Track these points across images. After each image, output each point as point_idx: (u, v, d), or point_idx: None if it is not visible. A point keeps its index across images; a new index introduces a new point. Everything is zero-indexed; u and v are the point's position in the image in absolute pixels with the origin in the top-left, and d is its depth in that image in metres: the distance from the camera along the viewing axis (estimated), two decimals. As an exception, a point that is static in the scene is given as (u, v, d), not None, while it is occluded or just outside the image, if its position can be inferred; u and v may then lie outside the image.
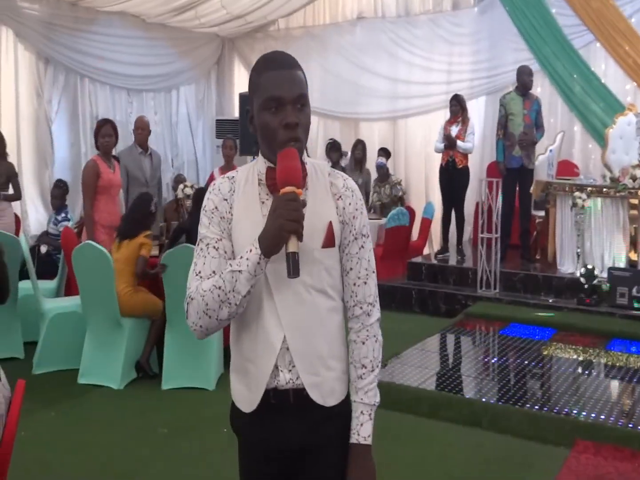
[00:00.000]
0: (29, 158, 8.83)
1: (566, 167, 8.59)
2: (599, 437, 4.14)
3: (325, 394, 1.77)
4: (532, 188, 7.59)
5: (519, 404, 4.56)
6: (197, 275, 1.73)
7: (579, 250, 7.17)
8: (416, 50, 10.20)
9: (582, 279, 6.76)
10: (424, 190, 10.12)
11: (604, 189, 7.14)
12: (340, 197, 1.80)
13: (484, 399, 4.66)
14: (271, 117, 1.69)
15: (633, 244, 6.96)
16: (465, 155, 7.87)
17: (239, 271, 1.63)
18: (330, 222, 1.76)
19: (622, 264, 6.97)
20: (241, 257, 1.64)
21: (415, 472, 3.91)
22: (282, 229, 1.58)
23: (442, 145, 7.90)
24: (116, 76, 9.81)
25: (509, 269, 7.47)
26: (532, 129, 7.57)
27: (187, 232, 5.67)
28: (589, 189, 7.17)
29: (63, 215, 7.30)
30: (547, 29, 8.89)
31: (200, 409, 4.72)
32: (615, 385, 5.08)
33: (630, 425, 4.25)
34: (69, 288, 6.20)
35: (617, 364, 5.45)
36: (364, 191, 8.73)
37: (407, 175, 10.17)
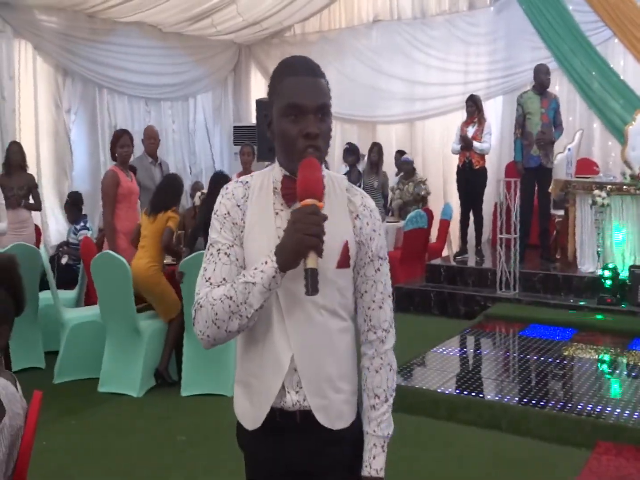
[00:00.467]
0: (49, 169, 8.96)
1: (586, 165, 8.52)
2: (621, 438, 4.09)
3: (333, 417, 1.70)
4: (550, 187, 7.53)
5: (539, 405, 4.51)
6: (206, 281, 1.66)
7: (599, 249, 7.10)
8: (432, 51, 10.21)
9: (604, 278, 6.68)
10: (442, 192, 10.11)
11: (624, 187, 7.06)
12: (358, 216, 1.72)
13: (504, 401, 4.62)
14: (291, 125, 1.61)
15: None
16: (482, 156, 7.82)
17: (253, 283, 1.55)
18: (346, 242, 1.68)
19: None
20: (255, 269, 1.57)
21: (434, 476, 3.89)
22: (302, 244, 1.50)
23: (458, 147, 7.87)
24: (134, 86, 9.92)
25: (529, 269, 7.41)
26: (550, 127, 7.50)
27: (204, 223, 5.60)
28: (609, 186, 7.09)
29: (82, 224, 7.40)
30: (565, 26, 8.83)
31: (219, 416, 4.71)
32: (637, 385, 4.99)
33: (652, 426, 4.19)
34: (89, 297, 6.26)
35: (639, 364, 5.38)
36: (381, 194, 8.72)
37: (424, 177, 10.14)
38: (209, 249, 1.70)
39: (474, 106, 7.86)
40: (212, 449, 4.23)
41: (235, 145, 10.39)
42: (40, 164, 8.73)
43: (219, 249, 1.68)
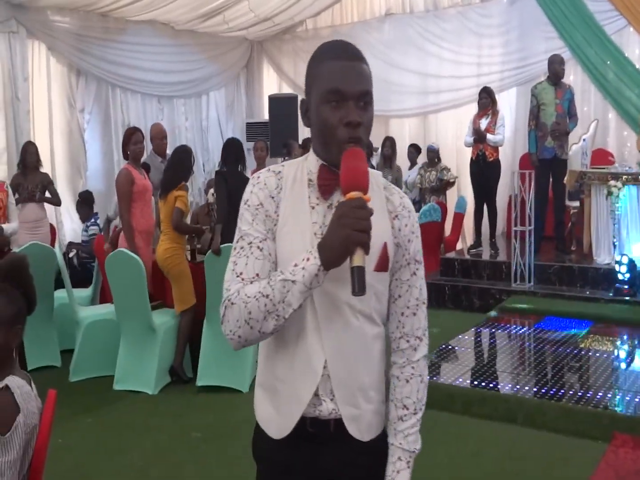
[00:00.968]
0: (63, 168, 9.02)
1: (601, 156, 8.44)
2: (638, 430, 4.06)
3: (363, 429, 1.61)
4: (565, 178, 7.47)
5: (555, 398, 4.49)
6: (238, 276, 1.53)
7: (615, 240, 7.03)
8: (445, 44, 10.17)
9: (621, 269, 6.61)
10: (456, 185, 10.03)
11: (640, 177, 7.00)
12: (397, 216, 1.63)
13: (519, 394, 4.60)
14: (331, 113, 1.51)
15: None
16: (495, 148, 7.77)
17: (293, 281, 1.44)
18: (385, 244, 1.58)
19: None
20: (295, 265, 1.45)
21: (449, 469, 3.88)
22: (349, 240, 1.39)
23: (471, 139, 7.82)
24: (147, 84, 9.95)
25: (544, 262, 7.35)
26: (564, 118, 7.42)
27: (229, 195, 5.48)
28: (624, 177, 7.02)
29: (92, 220, 7.49)
30: (578, 16, 8.76)
31: (234, 412, 4.74)
32: (654, 377, 4.97)
33: (669, 418, 4.15)
34: (104, 296, 6.29)
35: (657, 355, 5.34)
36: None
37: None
38: (238, 241, 1.58)
39: (487, 98, 7.80)
40: (226, 446, 4.24)
41: (248, 141, 10.37)
42: (55, 164, 8.79)
43: (250, 242, 1.55)
